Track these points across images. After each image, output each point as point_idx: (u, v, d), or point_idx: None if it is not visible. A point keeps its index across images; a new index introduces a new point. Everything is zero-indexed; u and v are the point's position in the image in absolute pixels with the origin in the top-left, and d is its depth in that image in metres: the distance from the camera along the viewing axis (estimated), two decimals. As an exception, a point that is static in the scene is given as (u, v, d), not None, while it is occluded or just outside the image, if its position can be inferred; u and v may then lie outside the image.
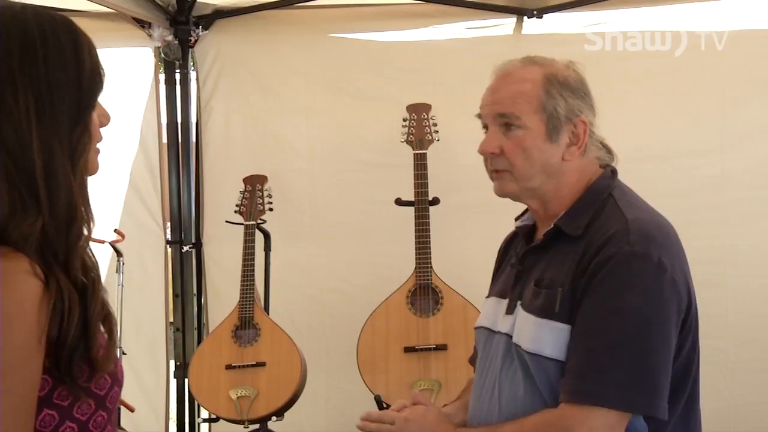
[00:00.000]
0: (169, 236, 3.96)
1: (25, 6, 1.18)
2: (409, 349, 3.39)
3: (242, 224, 3.62)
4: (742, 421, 3.58)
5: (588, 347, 1.58)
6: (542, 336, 1.62)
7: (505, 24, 3.76)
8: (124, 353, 3.45)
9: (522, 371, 1.66)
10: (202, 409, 3.66)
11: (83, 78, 1.18)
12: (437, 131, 3.53)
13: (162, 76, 3.96)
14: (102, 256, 3.56)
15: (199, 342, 3.90)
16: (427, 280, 3.43)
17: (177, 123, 3.95)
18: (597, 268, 1.58)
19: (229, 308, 3.59)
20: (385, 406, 1.97)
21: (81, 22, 1.22)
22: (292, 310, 3.80)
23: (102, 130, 1.24)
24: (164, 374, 3.95)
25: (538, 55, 1.75)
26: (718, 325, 3.43)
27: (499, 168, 1.72)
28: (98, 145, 1.23)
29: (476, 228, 3.67)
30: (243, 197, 3.66)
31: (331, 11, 3.85)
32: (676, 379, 1.60)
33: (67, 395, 1.14)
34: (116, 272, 3.65)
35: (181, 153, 3.95)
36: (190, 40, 3.82)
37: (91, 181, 1.22)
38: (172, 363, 3.99)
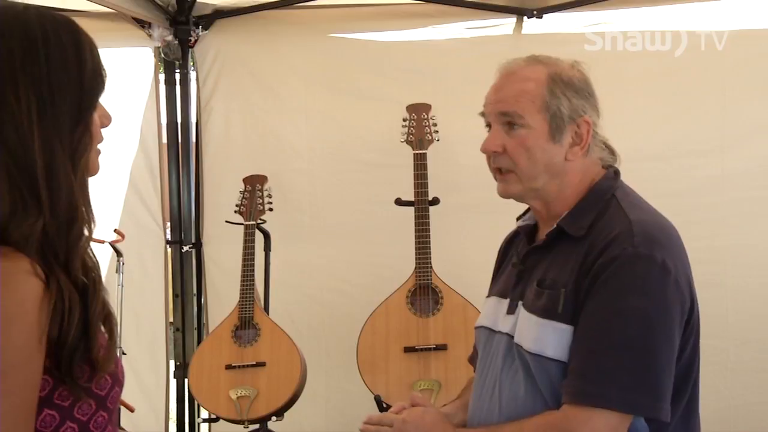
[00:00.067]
0: (169, 236, 3.96)
1: (27, 6, 1.18)
2: (409, 349, 3.39)
3: (242, 224, 3.62)
4: (742, 421, 3.59)
5: (591, 348, 1.57)
6: (544, 336, 1.62)
7: (505, 24, 3.76)
8: (123, 353, 3.45)
9: (523, 371, 1.66)
10: (202, 409, 3.66)
11: (85, 78, 1.18)
12: (437, 131, 3.53)
13: (162, 76, 3.96)
14: (102, 256, 3.56)
15: (199, 342, 3.90)
16: (427, 280, 3.43)
17: (177, 123, 3.95)
18: (600, 269, 1.58)
19: (229, 308, 3.59)
20: (384, 406, 1.98)
21: (81, 22, 1.22)
22: (292, 310, 3.80)
23: (102, 130, 1.24)
24: (164, 374, 3.95)
25: (543, 54, 1.74)
26: (718, 325, 3.43)
27: (502, 167, 1.71)
28: (99, 146, 1.23)
29: (476, 228, 3.67)
30: (243, 197, 3.66)
31: (331, 11, 3.85)
32: (677, 380, 1.60)
33: (68, 395, 1.14)
34: (116, 272, 3.65)
35: (181, 153, 3.95)
36: (190, 40, 3.82)
37: (91, 181, 1.22)
38: (172, 363, 3.99)
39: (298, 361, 3.44)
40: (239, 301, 3.54)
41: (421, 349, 3.39)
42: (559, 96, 1.67)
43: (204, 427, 4.00)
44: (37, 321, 1.08)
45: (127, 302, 3.68)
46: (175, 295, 3.96)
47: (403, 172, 3.53)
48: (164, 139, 3.95)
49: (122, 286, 3.65)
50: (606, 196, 1.69)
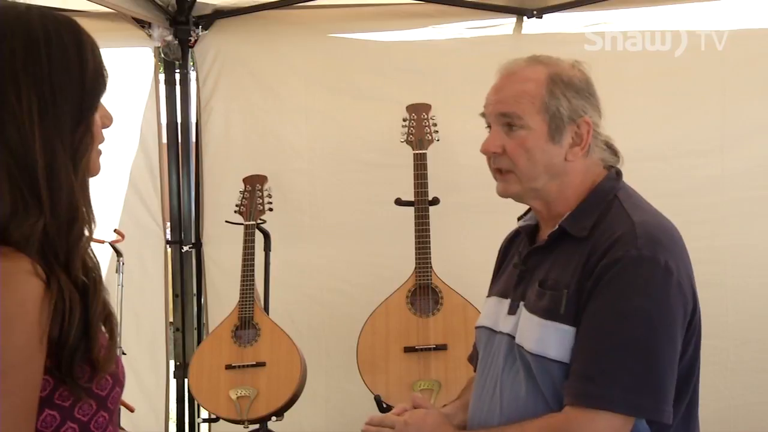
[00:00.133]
0: (169, 236, 3.96)
1: (29, 6, 1.18)
2: (409, 349, 3.39)
3: (242, 224, 3.62)
4: (742, 421, 3.59)
5: (594, 350, 1.57)
6: (546, 337, 1.61)
7: (505, 24, 3.76)
8: (123, 353, 3.45)
9: (524, 372, 1.65)
10: (201, 409, 3.66)
11: (86, 78, 1.18)
12: (437, 131, 3.53)
13: (162, 76, 3.95)
14: (102, 256, 3.56)
15: (198, 342, 3.90)
16: (427, 280, 3.43)
17: (177, 123, 3.95)
18: (603, 270, 1.57)
19: (229, 308, 3.59)
20: (384, 406, 1.98)
21: (81, 22, 1.21)
22: (292, 310, 3.80)
23: (103, 130, 1.24)
24: (164, 374, 3.95)
25: (544, 55, 1.74)
26: (718, 325, 3.43)
27: (502, 167, 1.71)
28: (100, 146, 1.23)
29: (476, 228, 3.67)
30: (243, 197, 3.66)
31: (331, 11, 3.85)
32: (679, 382, 1.59)
33: (69, 396, 1.14)
34: (116, 272, 3.65)
35: (181, 153, 3.95)
36: (190, 40, 3.82)
37: (91, 181, 1.22)
38: (171, 363, 3.99)
39: (298, 361, 3.44)
40: (239, 301, 3.54)
41: (421, 349, 3.39)
42: (559, 96, 1.67)
43: (204, 427, 4.00)
44: (38, 321, 1.08)
45: (127, 302, 3.68)
46: (175, 295, 3.96)
47: (403, 172, 3.53)
48: (164, 139, 3.95)
49: (122, 286, 3.65)
50: (608, 196, 1.69)
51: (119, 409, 1.26)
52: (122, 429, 1.33)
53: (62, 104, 1.15)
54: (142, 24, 3.76)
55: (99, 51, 1.21)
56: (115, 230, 3.72)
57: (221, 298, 3.83)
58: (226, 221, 3.65)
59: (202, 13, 3.82)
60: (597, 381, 1.55)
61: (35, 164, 1.12)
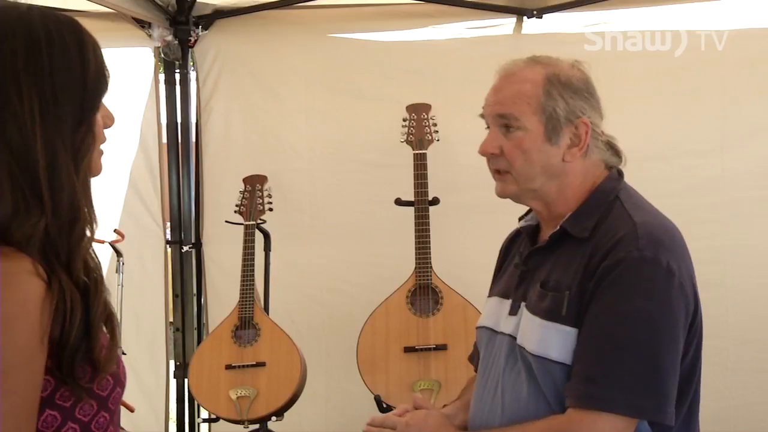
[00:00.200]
0: (169, 236, 3.96)
1: (31, 7, 1.18)
2: (409, 349, 3.39)
3: (242, 224, 3.62)
4: (742, 421, 3.58)
5: (596, 351, 1.57)
6: (548, 339, 1.61)
7: (505, 24, 3.76)
8: (123, 353, 3.43)
9: (526, 373, 1.65)
10: (201, 409, 3.66)
11: (88, 78, 1.18)
12: (437, 131, 3.53)
13: (162, 76, 3.95)
14: (102, 256, 3.56)
15: (198, 342, 3.90)
16: (427, 280, 3.43)
17: (177, 123, 3.95)
18: (605, 271, 1.57)
19: (229, 308, 3.59)
20: (384, 406, 1.98)
21: (81, 22, 1.22)
22: (292, 310, 3.80)
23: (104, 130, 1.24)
24: (164, 374, 3.95)
25: (544, 55, 1.73)
26: (718, 325, 3.43)
27: (500, 168, 1.71)
28: (101, 147, 1.23)
29: (476, 228, 3.67)
30: (243, 197, 3.66)
31: (331, 11, 3.85)
32: (680, 383, 1.59)
33: (70, 396, 1.14)
34: (116, 272, 3.65)
35: (181, 153, 3.95)
36: (190, 40, 3.82)
37: (92, 181, 1.22)
38: (171, 363, 3.99)
39: (298, 361, 3.44)
40: (239, 301, 3.54)
41: (421, 349, 3.39)
42: (556, 97, 1.67)
43: (204, 427, 4.00)
44: (39, 321, 1.08)
45: (127, 302, 3.68)
46: (175, 295, 3.96)
47: (403, 172, 3.53)
48: (164, 139, 3.95)
49: (122, 286, 3.65)
50: (609, 197, 1.69)
51: (120, 410, 1.26)
52: (122, 429, 1.33)
53: (64, 104, 1.15)
54: (142, 24, 3.75)
55: (101, 51, 1.21)
56: (115, 230, 3.72)
57: (221, 298, 3.83)
58: (226, 221, 3.65)
59: (202, 13, 3.82)
60: (599, 383, 1.54)
61: (37, 164, 1.12)
